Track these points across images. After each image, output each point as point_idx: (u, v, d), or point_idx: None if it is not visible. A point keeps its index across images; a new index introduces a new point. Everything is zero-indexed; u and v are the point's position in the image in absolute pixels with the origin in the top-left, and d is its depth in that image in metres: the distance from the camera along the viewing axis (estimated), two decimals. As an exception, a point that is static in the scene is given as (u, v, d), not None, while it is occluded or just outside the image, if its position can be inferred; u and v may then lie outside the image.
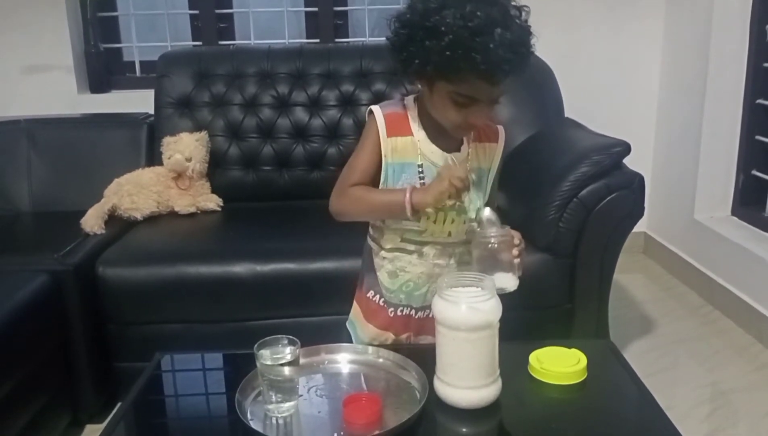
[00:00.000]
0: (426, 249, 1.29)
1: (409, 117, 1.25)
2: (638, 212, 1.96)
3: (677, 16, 2.97)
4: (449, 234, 1.27)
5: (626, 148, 1.94)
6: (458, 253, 1.30)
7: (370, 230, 1.35)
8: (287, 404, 1.09)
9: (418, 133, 1.24)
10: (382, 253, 1.32)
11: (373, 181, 1.26)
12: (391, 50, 1.16)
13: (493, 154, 1.29)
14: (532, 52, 1.12)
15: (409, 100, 1.27)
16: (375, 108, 1.26)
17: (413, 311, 1.33)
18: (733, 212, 2.81)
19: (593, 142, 2.07)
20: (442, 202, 1.18)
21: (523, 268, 1.16)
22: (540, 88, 2.57)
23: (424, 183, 1.24)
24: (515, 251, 1.16)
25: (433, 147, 1.24)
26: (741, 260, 2.53)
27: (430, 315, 1.12)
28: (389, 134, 1.23)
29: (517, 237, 1.17)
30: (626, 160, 1.98)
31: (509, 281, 1.14)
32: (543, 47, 2.56)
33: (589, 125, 2.33)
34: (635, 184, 1.93)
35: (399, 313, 1.34)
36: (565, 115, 2.53)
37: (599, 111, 2.68)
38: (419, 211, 1.19)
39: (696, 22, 2.79)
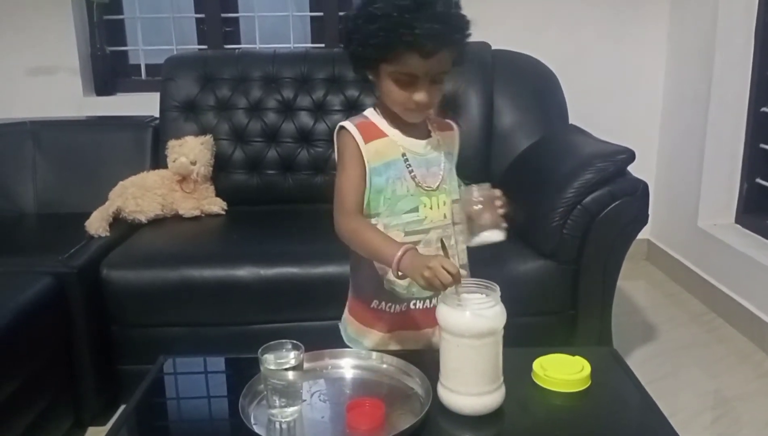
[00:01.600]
0: (429, 235, 1.30)
1: (376, 122, 1.31)
2: (642, 219, 1.96)
3: (681, 23, 2.97)
4: (445, 216, 1.31)
5: (630, 156, 1.95)
6: (457, 230, 1.32)
7: None
8: (291, 409, 1.09)
9: (391, 132, 1.30)
10: (397, 233, 1.31)
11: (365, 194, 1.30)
12: (343, 45, 1.26)
13: (453, 141, 1.38)
14: (463, 26, 1.21)
15: (369, 111, 1.33)
16: (345, 123, 1.31)
17: (428, 302, 1.32)
18: (737, 220, 2.80)
19: (597, 149, 2.07)
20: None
21: (508, 221, 1.20)
22: (544, 94, 2.58)
23: (413, 172, 1.28)
24: (498, 203, 1.20)
25: (410, 139, 1.31)
26: (744, 268, 2.53)
27: None
28: (366, 140, 1.28)
29: (498, 192, 1.22)
30: (629, 167, 1.98)
31: (497, 235, 1.17)
32: (547, 52, 2.62)
33: (593, 132, 2.33)
34: (639, 191, 1.93)
35: (413, 307, 1.33)
36: (570, 122, 2.54)
37: (603, 117, 2.68)
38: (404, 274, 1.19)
39: (700, 28, 2.79)
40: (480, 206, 1.18)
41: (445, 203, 1.31)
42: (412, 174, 1.29)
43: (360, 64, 1.26)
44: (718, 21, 2.66)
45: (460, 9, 1.22)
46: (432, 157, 1.32)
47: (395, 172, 1.28)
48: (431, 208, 1.30)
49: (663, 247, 3.14)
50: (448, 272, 1.09)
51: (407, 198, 1.29)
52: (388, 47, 1.18)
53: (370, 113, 1.33)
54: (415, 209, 1.29)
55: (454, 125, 1.40)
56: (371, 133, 1.29)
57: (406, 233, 1.29)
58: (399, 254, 1.16)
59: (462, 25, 1.21)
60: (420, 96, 1.22)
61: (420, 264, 1.12)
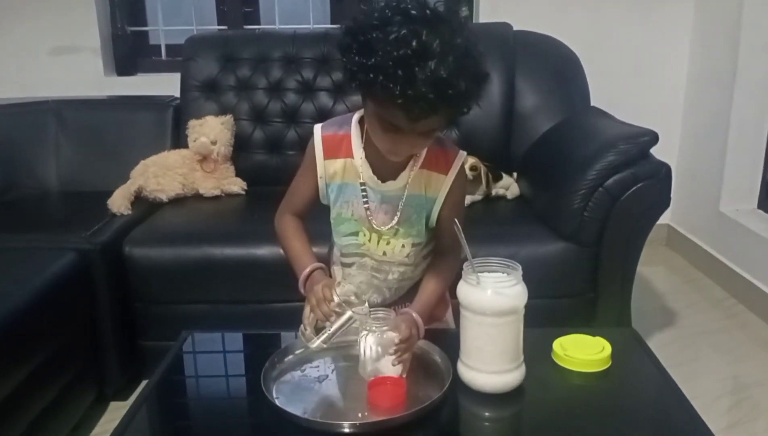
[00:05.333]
0: (364, 260, 1.29)
1: (353, 137, 1.21)
2: (664, 202, 1.94)
3: (707, 4, 2.92)
4: (384, 253, 1.27)
5: (654, 138, 1.93)
6: (396, 271, 1.29)
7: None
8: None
9: (359, 154, 1.21)
10: (336, 250, 1.34)
11: (313, 201, 1.29)
12: (340, 53, 1.08)
13: (440, 186, 1.22)
14: (465, 96, 1.02)
15: (356, 118, 1.22)
16: (317, 128, 1.25)
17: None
18: (760, 205, 2.77)
19: (620, 131, 2.05)
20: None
21: (408, 364, 1.12)
22: (566, 75, 2.55)
23: (367, 204, 1.22)
24: (395, 348, 1.09)
25: (370, 172, 1.21)
26: (766, 254, 2.50)
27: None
28: (326, 156, 1.23)
29: (399, 334, 1.10)
30: (652, 150, 1.96)
31: (390, 369, 1.10)
32: (569, 34, 2.59)
33: (615, 114, 2.30)
34: (662, 174, 1.91)
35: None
36: (591, 104, 2.51)
37: (625, 100, 2.65)
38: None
39: (727, 10, 2.74)
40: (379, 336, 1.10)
41: (388, 243, 1.25)
42: (366, 205, 1.22)
43: (350, 81, 1.08)
44: (744, 3, 2.61)
45: (472, 73, 1.01)
46: (392, 196, 1.21)
47: (347, 195, 1.23)
48: (370, 240, 1.26)
49: (683, 232, 3.11)
50: (328, 303, 1.08)
51: (350, 222, 1.25)
52: (373, 93, 1.03)
53: (354, 124, 1.22)
54: (355, 234, 1.26)
55: (455, 164, 1.21)
56: (337, 149, 1.22)
57: (343, 254, 1.31)
58: (306, 271, 1.18)
59: (465, 94, 1.01)
60: (402, 148, 1.11)
61: (310, 288, 1.12)
